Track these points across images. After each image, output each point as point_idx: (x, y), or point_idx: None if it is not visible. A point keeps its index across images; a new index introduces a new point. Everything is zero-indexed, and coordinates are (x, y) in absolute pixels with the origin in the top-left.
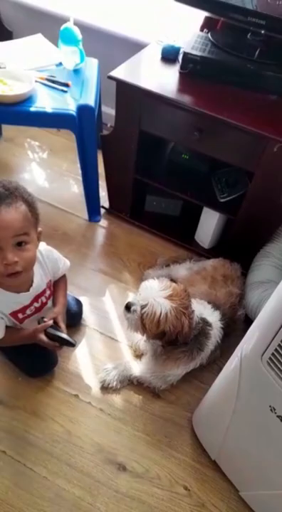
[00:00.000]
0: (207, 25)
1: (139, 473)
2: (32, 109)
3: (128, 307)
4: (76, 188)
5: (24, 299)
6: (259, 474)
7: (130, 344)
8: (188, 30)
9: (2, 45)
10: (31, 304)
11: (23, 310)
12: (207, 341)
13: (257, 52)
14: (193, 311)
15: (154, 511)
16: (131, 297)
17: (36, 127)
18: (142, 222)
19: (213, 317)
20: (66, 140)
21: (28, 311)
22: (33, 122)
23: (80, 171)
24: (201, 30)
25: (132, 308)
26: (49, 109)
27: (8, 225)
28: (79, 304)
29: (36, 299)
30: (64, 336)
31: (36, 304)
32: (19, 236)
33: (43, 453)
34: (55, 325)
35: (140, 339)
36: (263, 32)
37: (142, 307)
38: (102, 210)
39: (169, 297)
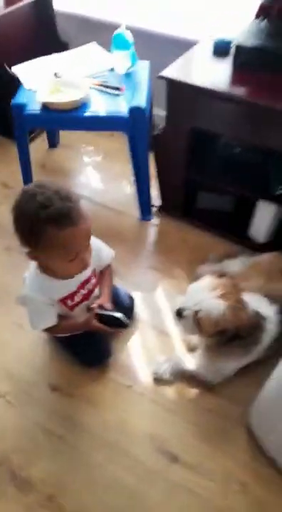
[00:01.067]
0: (262, 12)
1: (192, 465)
2: (86, 113)
3: (179, 313)
4: (128, 189)
5: (71, 285)
6: None
7: (183, 338)
8: (241, 22)
9: (58, 57)
10: (78, 290)
11: (71, 296)
12: (262, 335)
13: None
14: (246, 303)
15: (208, 505)
16: (180, 302)
17: (91, 132)
18: (194, 219)
19: (270, 311)
20: (119, 144)
21: (76, 298)
22: (87, 126)
23: (132, 172)
24: (257, 17)
25: (184, 313)
26: (102, 113)
27: (87, 234)
28: (131, 299)
29: (82, 285)
30: (116, 314)
31: (83, 291)
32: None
33: (98, 440)
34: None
35: (194, 337)
36: None
37: (196, 312)
38: (154, 209)
39: (222, 296)
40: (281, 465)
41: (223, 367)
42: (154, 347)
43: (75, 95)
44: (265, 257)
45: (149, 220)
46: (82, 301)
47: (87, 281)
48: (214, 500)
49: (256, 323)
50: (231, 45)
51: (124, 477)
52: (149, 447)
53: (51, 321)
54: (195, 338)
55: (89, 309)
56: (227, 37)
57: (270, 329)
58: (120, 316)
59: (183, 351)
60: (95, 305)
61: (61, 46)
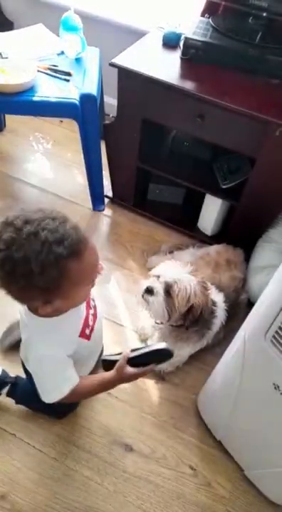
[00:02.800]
0: (208, 9)
1: (145, 453)
2: (34, 98)
3: (150, 291)
4: (80, 178)
5: (81, 310)
6: (264, 453)
7: (135, 329)
8: (189, 16)
9: (3, 36)
10: (87, 313)
11: (86, 322)
12: (214, 320)
13: (259, 36)
14: (209, 286)
15: (161, 490)
16: (148, 282)
17: (39, 118)
18: (145, 211)
19: (218, 298)
20: (69, 131)
21: (90, 322)
22: (35, 111)
23: (83, 161)
24: (203, 15)
25: (155, 290)
26: (52, 98)
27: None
28: None
29: (88, 304)
30: (158, 345)
31: (91, 311)
32: None
33: (51, 435)
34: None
35: (146, 323)
36: (264, 15)
37: (168, 286)
38: (106, 200)
39: (192, 273)
40: (227, 447)
41: (178, 354)
42: (106, 338)
43: (23, 78)
44: (213, 249)
45: (102, 210)
46: (94, 323)
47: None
48: (167, 486)
49: (211, 308)
50: (181, 38)
51: (79, 470)
52: (103, 439)
53: (76, 377)
54: (148, 328)
55: (108, 365)
56: (176, 30)
57: (219, 315)
58: (164, 346)
59: (136, 341)
60: (127, 351)
61: (6, 25)
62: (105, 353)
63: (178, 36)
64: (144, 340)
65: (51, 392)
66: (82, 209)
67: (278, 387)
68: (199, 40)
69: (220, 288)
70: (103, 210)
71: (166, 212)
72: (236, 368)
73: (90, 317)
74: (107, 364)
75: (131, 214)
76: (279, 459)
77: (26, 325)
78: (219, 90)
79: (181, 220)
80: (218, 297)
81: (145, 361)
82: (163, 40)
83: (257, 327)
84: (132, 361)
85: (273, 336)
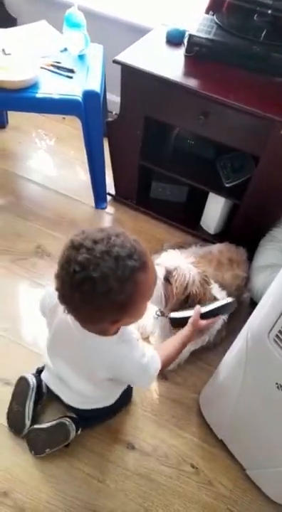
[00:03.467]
0: (213, 6)
1: (147, 451)
2: (37, 95)
3: None
4: (83, 176)
5: None
6: (265, 452)
7: (137, 327)
8: (193, 13)
9: (6, 32)
10: None
11: None
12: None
13: (263, 34)
14: (211, 280)
15: (162, 488)
16: None
17: (42, 114)
18: (147, 209)
19: (220, 296)
20: (72, 128)
21: None
22: (38, 108)
23: (86, 159)
24: (207, 12)
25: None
26: (55, 95)
27: None
28: None
29: None
30: (225, 301)
31: None
32: None
33: None
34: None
35: (148, 322)
36: (269, 12)
37: (169, 272)
38: (109, 197)
39: (194, 264)
40: (229, 446)
41: None
42: None
43: (26, 74)
44: (215, 247)
45: (104, 208)
46: None
47: None
48: (169, 484)
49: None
50: (185, 35)
51: (81, 468)
52: (106, 437)
53: (155, 353)
54: (149, 326)
55: (177, 323)
56: (180, 27)
57: None
58: (231, 300)
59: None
60: (197, 306)
61: (9, 21)
62: (171, 313)
63: (182, 33)
64: (145, 339)
65: (153, 375)
66: (84, 207)
67: (281, 386)
68: (203, 38)
69: (223, 286)
70: (105, 208)
71: (168, 211)
72: (239, 367)
73: None
74: (177, 322)
75: (133, 212)
76: (281, 459)
77: (104, 349)
78: (223, 88)
79: (184, 219)
80: (220, 295)
81: (214, 314)
82: (167, 38)
83: (260, 326)
84: (203, 316)
85: (277, 336)
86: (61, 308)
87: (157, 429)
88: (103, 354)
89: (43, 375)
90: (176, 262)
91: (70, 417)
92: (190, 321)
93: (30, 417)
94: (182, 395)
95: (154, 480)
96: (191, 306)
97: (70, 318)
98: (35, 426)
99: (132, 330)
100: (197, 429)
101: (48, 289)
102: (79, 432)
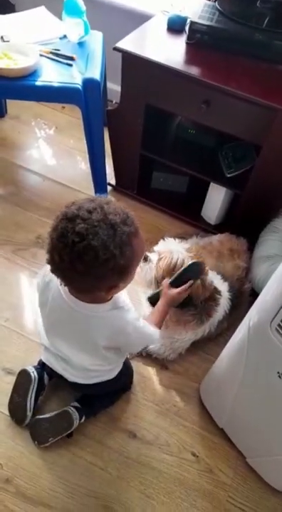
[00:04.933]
0: None
1: (148, 440)
2: (37, 83)
3: (145, 258)
4: (83, 165)
5: None
6: (266, 441)
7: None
8: (194, 0)
9: (5, 19)
10: None
11: None
12: (216, 308)
13: (266, 21)
14: (207, 271)
15: (164, 476)
16: (149, 253)
17: (41, 103)
18: (148, 199)
19: (223, 287)
20: (72, 117)
21: None
22: (38, 97)
23: (86, 148)
24: None
25: (149, 258)
26: (54, 83)
27: None
28: None
29: None
30: (186, 265)
31: None
32: None
33: None
34: None
35: (148, 311)
36: None
37: (159, 255)
38: (109, 187)
39: (187, 250)
40: (230, 435)
41: (177, 338)
42: None
43: (26, 62)
44: (216, 238)
45: None
46: None
47: None
48: (170, 472)
49: (212, 295)
50: (186, 22)
51: (83, 456)
52: (107, 426)
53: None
54: (147, 312)
55: (154, 301)
56: (181, 13)
57: (223, 304)
58: (193, 261)
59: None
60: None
61: (8, 7)
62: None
63: (183, 20)
64: None
65: (155, 335)
66: (84, 197)
67: None
68: (204, 25)
69: (224, 277)
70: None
71: (169, 201)
72: (240, 357)
73: None
74: (153, 299)
75: (134, 202)
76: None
77: (101, 317)
78: (225, 76)
79: (185, 209)
80: (223, 287)
81: (183, 280)
82: (168, 24)
83: (262, 316)
84: (173, 284)
85: (279, 325)
86: (54, 285)
87: (158, 418)
88: (101, 321)
89: (43, 357)
90: (168, 246)
91: (73, 406)
92: (162, 293)
93: (32, 408)
94: (183, 384)
95: (155, 468)
96: (184, 305)
97: (64, 294)
98: (38, 416)
99: (124, 297)
100: (198, 418)
101: (40, 272)
102: (83, 419)
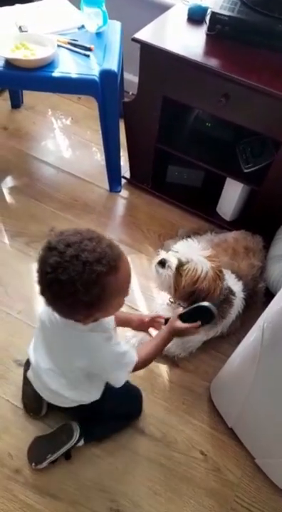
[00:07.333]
0: None
1: (157, 437)
2: (54, 74)
3: (162, 263)
4: (98, 158)
5: None
6: (275, 442)
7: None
8: None
9: (23, 8)
10: None
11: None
12: (230, 309)
13: None
14: (224, 276)
15: (171, 473)
16: (163, 254)
17: (57, 94)
18: (163, 193)
19: (237, 287)
20: (88, 108)
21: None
22: (55, 88)
23: (101, 140)
24: None
25: (167, 264)
26: (72, 75)
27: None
28: None
29: None
30: (203, 304)
31: None
32: None
33: (65, 414)
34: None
35: (161, 308)
36: None
37: (181, 264)
38: (124, 181)
39: (209, 258)
40: (239, 434)
41: (189, 339)
42: None
43: (43, 53)
44: (231, 235)
45: (118, 192)
46: None
47: None
48: (178, 469)
49: (226, 296)
50: (207, 12)
51: (92, 449)
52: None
53: (133, 353)
54: (162, 312)
55: (166, 321)
56: (202, 3)
57: (236, 305)
58: (207, 304)
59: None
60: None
61: None
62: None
63: (204, 10)
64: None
65: (127, 367)
66: (98, 190)
67: None
68: (226, 15)
69: (238, 276)
70: (120, 191)
71: (184, 196)
72: (253, 357)
73: None
74: (182, 316)
75: (148, 196)
76: None
77: (77, 336)
78: (246, 69)
79: (200, 204)
80: (237, 286)
81: (193, 318)
82: (188, 15)
83: (277, 317)
84: (182, 318)
85: None
86: None
87: (167, 416)
88: (78, 340)
89: (28, 374)
90: (191, 254)
91: (76, 423)
92: (170, 320)
93: None
94: (193, 382)
95: (163, 465)
96: (197, 299)
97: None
98: (38, 435)
99: (108, 320)
100: (207, 417)
101: None
102: (82, 442)
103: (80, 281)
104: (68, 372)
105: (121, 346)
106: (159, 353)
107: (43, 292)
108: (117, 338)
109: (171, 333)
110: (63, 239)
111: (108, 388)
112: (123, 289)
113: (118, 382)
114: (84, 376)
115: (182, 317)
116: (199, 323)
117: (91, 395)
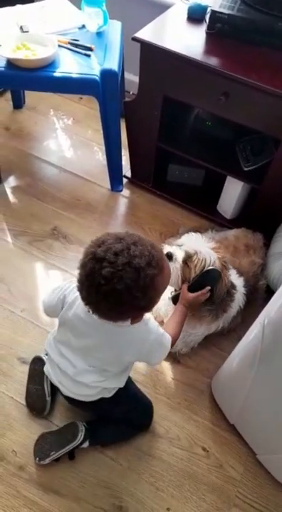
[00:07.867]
0: None
1: (159, 433)
2: (55, 74)
3: (169, 256)
4: (100, 157)
5: None
6: (277, 438)
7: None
8: None
9: (24, 8)
10: None
11: None
12: (231, 304)
13: None
14: (230, 268)
15: (174, 469)
16: (167, 248)
17: (58, 94)
18: (164, 192)
19: (238, 282)
20: (89, 108)
21: None
22: (56, 88)
23: (103, 140)
24: None
25: (174, 257)
26: (72, 74)
27: None
28: None
29: None
30: (206, 268)
31: None
32: None
33: (69, 412)
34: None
35: (162, 304)
36: None
37: (189, 256)
38: (125, 180)
39: (214, 249)
40: (240, 431)
41: (191, 332)
42: None
43: (44, 53)
44: (231, 233)
45: (120, 191)
46: None
47: None
48: (180, 465)
49: (227, 290)
50: (207, 11)
51: (97, 448)
52: None
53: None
54: (163, 311)
55: (176, 299)
56: (202, 2)
57: (237, 299)
58: (212, 267)
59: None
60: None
61: None
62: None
63: (204, 9)
64: (159, 323)
65: (167, 346)
66: (100, 189)
67: None
68: (225, 14)
69: (240, 272)
70: (121, 190)
71: (185, 194)
72: (254, 354)
73: None
74: (176, 299)
75: (150, 195)
76: None
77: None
78: (246, 67)
79: (201, 203)
80: (238, 281)
81: (201, 286)
82: (188, 14)
83: (278, 314)
84: (191, 289)
85: None
86: (79, 302)
87: (169, 412)
88: (123, 336)
89: (45, 369)
90: (198, 246)
91: (83, 424)
92: (182, 296)
93: (50, 393)
94: (195, 378)
95: (165, 461)
96: (209, 298)
97: (89, 314)
98: (45, 431)
99: None
100: (209, 413)
101: (57, 287)
102: (86, 443)
103: (136, 288)
104: (112, 367)
105: (156, 326)
106: (181, 328)
107: (94, 303)
108: (154, 322)
109: (186, 306)
110: (109, 248)
111: (122, 393)
112: (166, 286)
113: (158, 361)
114: (126, 367)
115: (190, 288)
116: (207, 288)
117: (120, 381)
